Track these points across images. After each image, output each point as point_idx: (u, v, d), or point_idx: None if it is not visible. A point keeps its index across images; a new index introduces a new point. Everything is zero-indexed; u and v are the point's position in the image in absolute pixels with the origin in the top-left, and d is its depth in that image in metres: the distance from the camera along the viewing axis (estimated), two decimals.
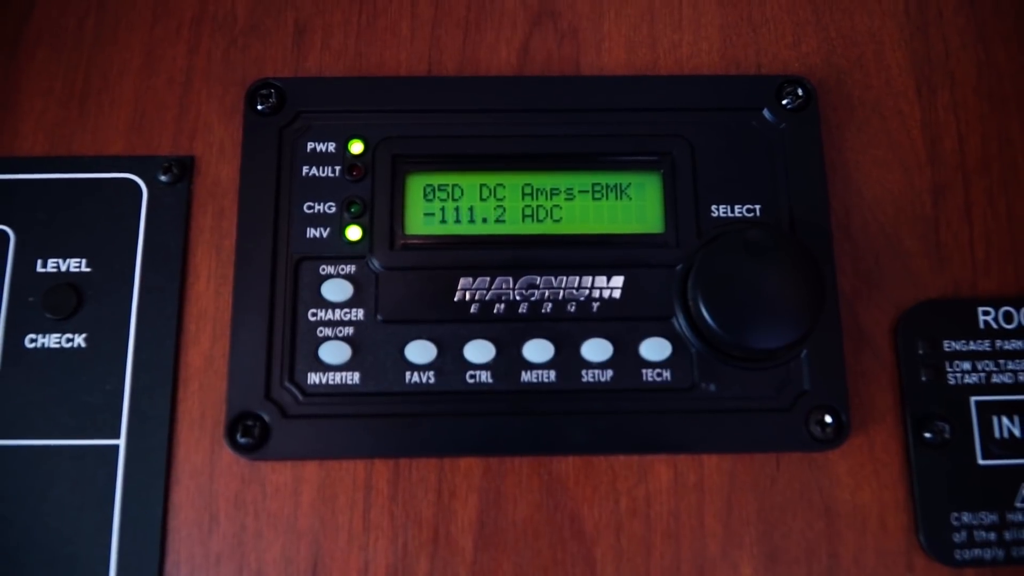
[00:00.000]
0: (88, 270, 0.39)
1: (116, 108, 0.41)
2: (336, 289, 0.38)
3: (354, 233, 0.39)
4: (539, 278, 0.38)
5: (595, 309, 0.38)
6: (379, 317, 0.38)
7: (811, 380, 0.38)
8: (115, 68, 0.41)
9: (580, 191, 0.40)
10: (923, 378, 0.38)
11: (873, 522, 0.37)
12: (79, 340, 0.38)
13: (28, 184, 0.40)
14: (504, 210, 0.39)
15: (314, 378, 0.37)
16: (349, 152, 0.39)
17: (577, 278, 0.38)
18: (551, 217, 0.39)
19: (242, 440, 0.36)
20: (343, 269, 0.38)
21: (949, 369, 0.39)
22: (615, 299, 0.38)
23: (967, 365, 0.39)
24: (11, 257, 0.39)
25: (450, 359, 0.38)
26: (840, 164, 0.41)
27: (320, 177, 0.39)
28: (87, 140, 0.41)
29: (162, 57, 0.42)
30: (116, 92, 0.41)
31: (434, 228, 0.39)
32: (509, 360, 0.38)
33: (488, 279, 0.38)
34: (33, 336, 0.38)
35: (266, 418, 0.37)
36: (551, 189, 0.40)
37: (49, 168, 0.40)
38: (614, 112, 0.40)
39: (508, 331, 0.38)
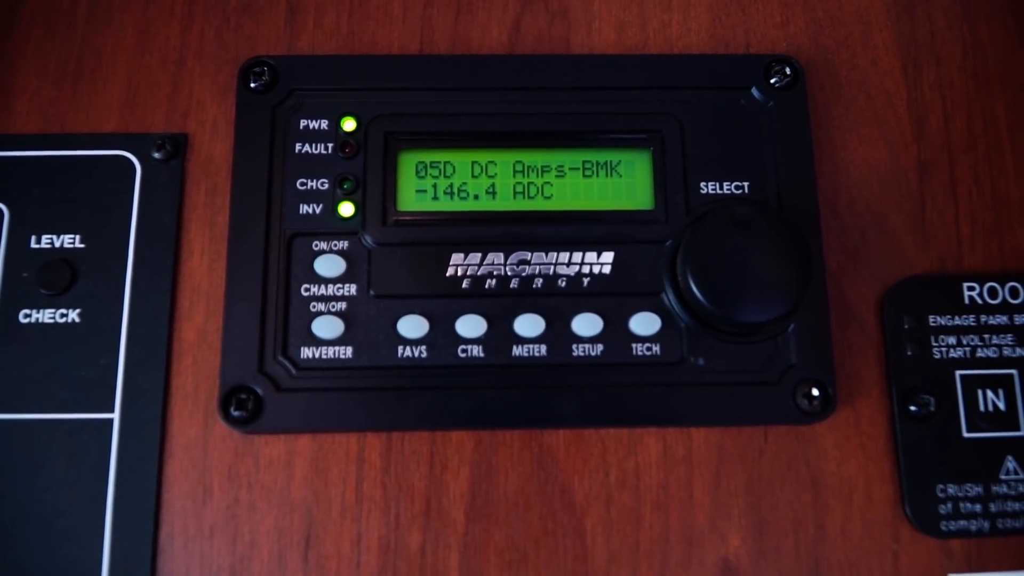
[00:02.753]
0: (82, 246, 0.39)
1: (110, 86, 0.41)
2: (329, 265, 0.38)
3: (347, 209, 0.39)
4: (530, 254, 0.39)
5: (585, 284, 0.39)
6: (372, 292, 0.38)
7: (798, 354, 0.38)
8: (109, 47, 0.42)
9: (571, 168, 0.40)
10: (909, 352, 0.39)
11: (859, 494, 0.38)
12: (73, 315, 0.38)
13: (23, 161, 0.40)
14: (495, 187, 0.40)
15: (307, 352, 0.38)
16: (342, 129, 0.40)
17: (568, 254, 0.39)
18: (542, 194, 0.40)
19: (236, 413, 0.37)
20: (336, 245, 0.39)
21: (934, 344, 0.39)
22: (605, 275, 0.39)
23: (952, 340, 0.39)
24: (5, 233, 0.39)
25: (442, 333, 0.38)
26: (827, 142, 0.41)
27: (313, 154, 0.40)
28: (81, 118, 0.41)
29: (155, 36, 0.42)
30: (110, 71, 0.41)
31: (426, 204, 0.39)
32: (500, 334, 0.38)
33: (480, 255, 0.39)
34: (27, 311, 0.38)
35: (259, 392, 0.37)
36: (542, 166, 0.40)
37: (43, 146, 0.40)
38: (604, 91, 0.41)
39: (499, 306, 0.38)
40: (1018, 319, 0.40)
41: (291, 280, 0.38)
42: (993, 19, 0.44)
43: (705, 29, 0.43)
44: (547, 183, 0.40)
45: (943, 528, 0.37)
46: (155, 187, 0.40)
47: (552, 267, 0.39)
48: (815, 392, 0.38)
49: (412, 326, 0.38)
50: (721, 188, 0.40)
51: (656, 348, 0.38)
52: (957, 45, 0.43)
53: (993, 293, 0.40)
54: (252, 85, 0.40)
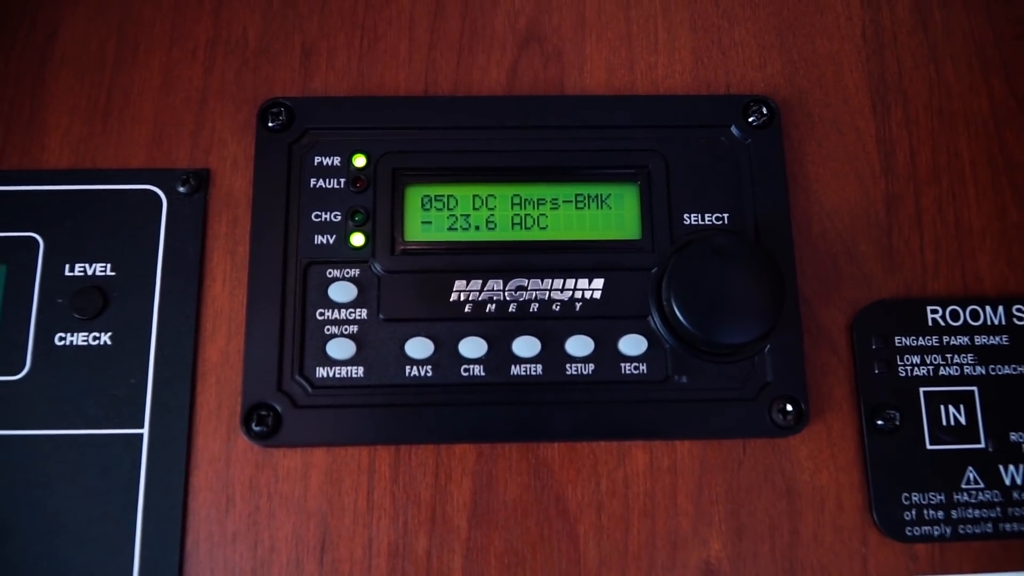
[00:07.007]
0: (112, 274, 0.42)
1: (137, 124, 0.44)
2: (342, 291, 0.41)
3: (358, 240, 0.42)
4: (527, 280, 0.42)
5: (578, 308, 0.41)
6: (381, 316, 0.41)
7: (774, 372, 0.41)
8: (135, 87, 0.44)
9: (564, 201, 0.43)
10: (876, 371, 0.42)
11: (831, 502, 0.41)
12: (105, 338, 0.41)
13: (56, 195, 0.43)
14: (495, 218, 0.43)
15: (322, 372, 0.40)
16: (353, 166, 0.43)
17: (562, 280, 0.42)
18: (538, 225, 0.43)
19: (256, 429, 0.40)
20: (348, 272, 0.42)
21: (900, 363, 0.42)
22: (596, 299, 0.42)
23: (917, 359, 0.42)
24: (41, 262, 0.42)
25: (446, 354, 0.41)
26: (801, 176, 0.44)
27: (326, 188, 0.42)
28: (110, 154, 0.44)
29: (179, 77, 0.45)
30: (137, 110, 0.44)
31: (431, 235, 0.42)
32: (500, 355, 0.41)
33: (481, 281, 0.42)
34: (62, 335, 0.41)
35: (278, 408, 0.40)
36: (538, 199, 0.43)
37: (75, 180, 0.43)
38: (595, 129, 0.44)
39: (499, 329, 0.41)
40: (978, 340, 0.42)
41: (307, 305, 0.41)
42: (958, 59, 0.47)
43: (689, 71, 0.46)
44: (543, 215, 0.43)
45: (908, 533, 0.40)
46: (180, 219, 0.42)
47: (547, 293, 0.42)
48: (789, 408, 0.41)
49: (418, 347, 0.41)
50: (703, 219, 0.43)
51: (643, 367, 0.41)
52: (923, 84, 0.46)
53: (955, 316, 0.43)
54: (270, 124, 0.43)
